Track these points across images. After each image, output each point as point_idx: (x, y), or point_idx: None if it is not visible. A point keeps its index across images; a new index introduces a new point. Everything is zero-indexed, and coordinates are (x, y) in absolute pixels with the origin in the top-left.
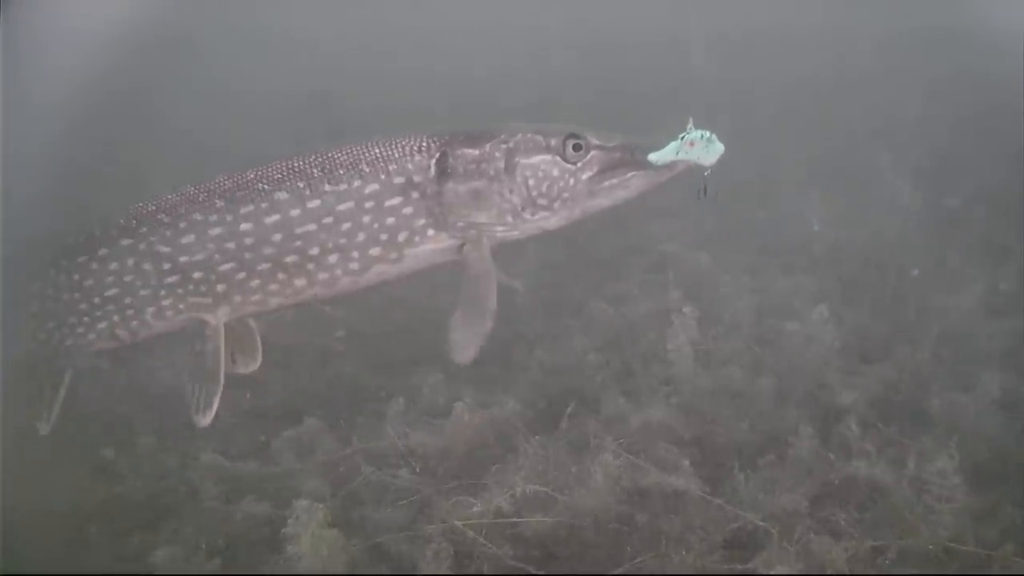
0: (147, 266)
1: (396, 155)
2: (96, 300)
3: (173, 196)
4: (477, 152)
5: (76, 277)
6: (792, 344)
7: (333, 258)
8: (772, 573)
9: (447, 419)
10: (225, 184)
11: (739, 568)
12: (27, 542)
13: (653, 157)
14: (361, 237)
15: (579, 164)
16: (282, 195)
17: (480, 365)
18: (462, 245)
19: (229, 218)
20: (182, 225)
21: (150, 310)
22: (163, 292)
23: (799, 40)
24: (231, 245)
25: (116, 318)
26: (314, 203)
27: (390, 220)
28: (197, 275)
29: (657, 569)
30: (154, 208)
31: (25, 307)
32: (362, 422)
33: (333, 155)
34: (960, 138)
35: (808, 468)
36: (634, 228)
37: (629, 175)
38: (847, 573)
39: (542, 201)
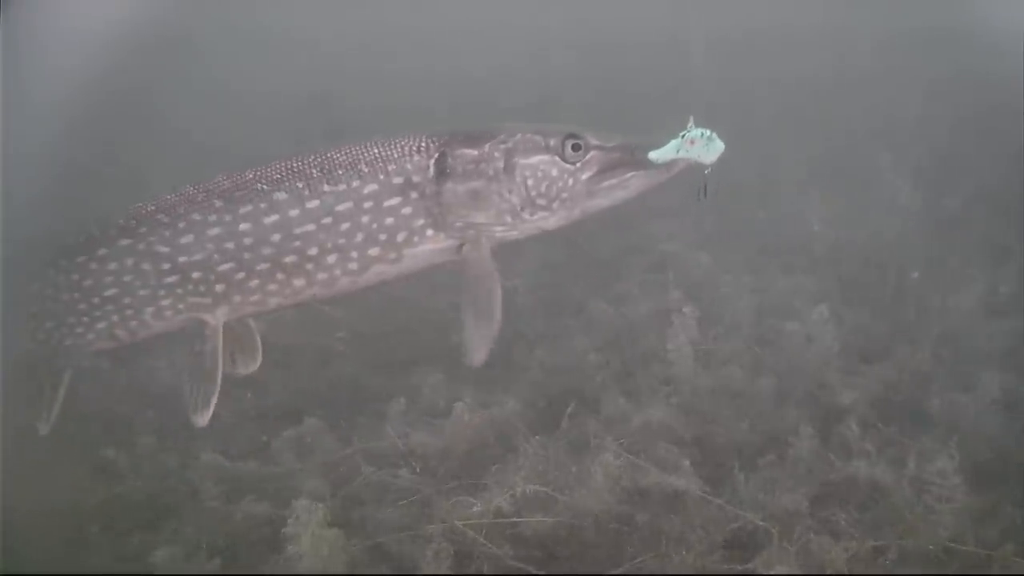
0: (146, 266)
1: (395, 155)
2: (95, 300)
3: (172, 196)
4: (476, 152)
5: (75, 277)
6: (792, 344)
7: (332, 258)
8: (772, 573)
9: (447, 419)
10: (224, 184)
11: (739, 568)
12: (27, 542)
13: (653, 155)
14: (360, 237)
15: (578, 164)
16: (281, 195)
17: (480, 365)
18: (461, 245)
19: (228, 218)
20: (181, 225)
21: (149, 310)
22: (162, 292)
23: (799, 40)
24: (230, 245)
25: (115, 318)
26: (313, 203)
27: (389, 220)
28: (196, 275)
29: (657, 569)
30: (153, 208)
31: (25, 307)
32: (363, 422)
33: (332, 155)
34: (960, 138)
35: (808, 468)
36: (634, 228)
37: (628, 175)
38: (847, 573)
39: (541, 201)
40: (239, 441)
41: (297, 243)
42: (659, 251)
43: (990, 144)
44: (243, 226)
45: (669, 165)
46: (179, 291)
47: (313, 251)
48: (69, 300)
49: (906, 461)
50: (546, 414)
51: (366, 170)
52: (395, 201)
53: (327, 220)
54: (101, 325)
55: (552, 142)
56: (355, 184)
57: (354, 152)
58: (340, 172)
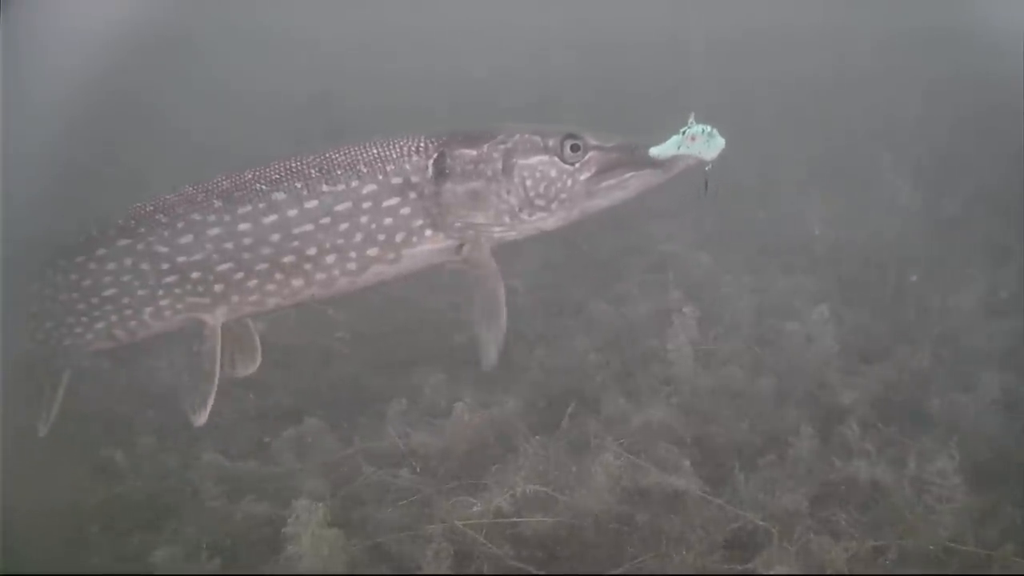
0: (145, 266)
1: (394, 155)
2: (94, 300)
3: (171, 196)
4: (475, 153)
5: (74, 277)
6: (792, 344)
7: (331, 258)
8: (772, 573)
9: (448, 419)
10: (223, 184)
11: (739, 568)
12: (27, 542)
13: (654, 151)
14: (359, 237)
15: (577, 165)
16: (280, 195)
17: (480, 365)
18: (460, 246)
19: (227, 218)
20: (180, 225)
21: (148, 310)
22: (161, 292)
23: (799, 40)
24: (229, 245)
25: (114, 318)
26: (312, 203)
27: (388, 220)
28: (195, 275)
29: (657, 569)
30: (152, 208)
31: (24, 307)
32: (363, 422)
33: (331, 155)
34: (960, 138)
35: (808, 468)
36: (634, 228)
37: (627, 176)
38: (847, 573)
39: (540, 202)
40: (239, 441)
41: (296, 243)
42: (659, 251)
43: (990, 144)
44: (242, 226)
45: (668, 166)
46: (178, 291)
47: (312, 251)
48: (68, 300)
49: (906, 461)
50: (546, 414)
51: (365, 170)
52: (394, 201)
53: (326, 220)
54: (100, 325)
55: (551, 142)
56: (354, 184)
57: (353, 152)
58: (339, 172)
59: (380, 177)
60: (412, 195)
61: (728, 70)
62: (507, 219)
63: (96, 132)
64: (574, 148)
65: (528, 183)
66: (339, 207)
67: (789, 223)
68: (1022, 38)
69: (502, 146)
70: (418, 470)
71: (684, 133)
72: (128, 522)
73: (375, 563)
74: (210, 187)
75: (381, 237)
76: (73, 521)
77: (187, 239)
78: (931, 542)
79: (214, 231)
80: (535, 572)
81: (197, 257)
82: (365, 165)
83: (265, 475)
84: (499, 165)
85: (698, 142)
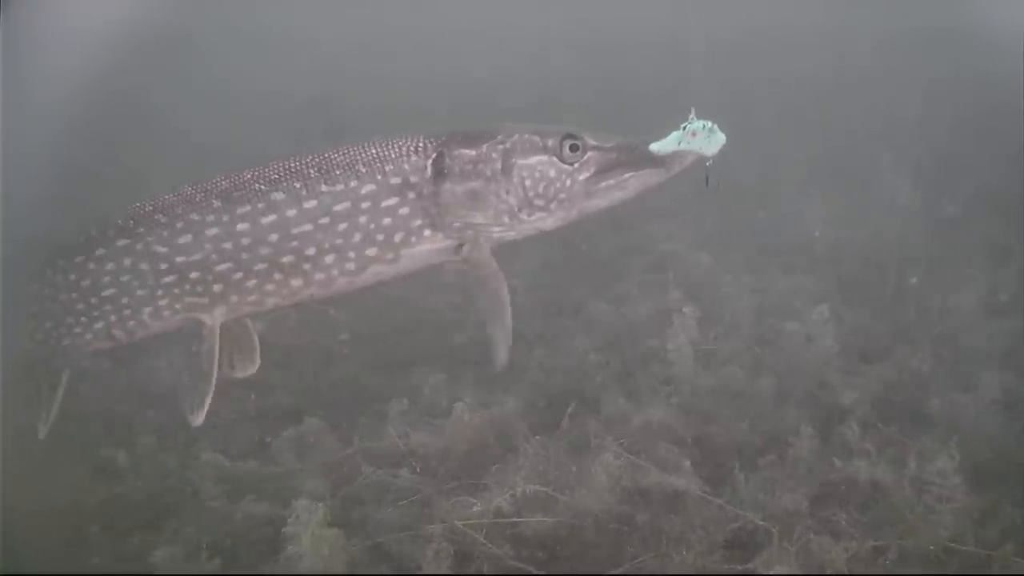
0: (144, 266)
1: (393, 155)
2: (93, 300)
3: (170, 196)
4: (474, 153)
5: (73, 277)
6: (792, 344)
7: (329, 258)
8: (772, 573)
9: (448, 419)
10: (222, 184)
11: (739, 568)
12: (27, 542)
13: (654, 147)
14: (357, 237)
15: (576, 165)
16: (279, 195)
17: (480, 365)
18: (459, 246)
19: (226, 218)
20: (179, 225)
21: (147, 310)
22: (160, 292)
23: (799, 40)
24: (228, 245)
25: (113, 318)
26: (311, 203)
27: (386, 220)
28: (194, 275)
29: (657, 569)
30: (151, 208)
31: (24, 307)
32: (363, 422)
33: (330, 155)
34: (960, 138)
35: (808, 468)
36: (634, 229)
37: (626, 176)
38: (847, 573)
39: (539, 202)
40: (239, 441)
41: (295, 243)
42: (659, 251)
43: (990, 144)
44: (240, 226)
45: (668, 166)
46: (176, 291)
47: (311, 251)
48: (67, 300)
49: (906, 461)
50: (546, 414)
51: (364, 170)
52: (392, 201)
53: (325, 220)
54: (99, 325)
55: (550, 143)
56: (353, 184)
57: (352, 152)
58: (338, 172)
59: (379, 177)
60: (411, 195)
61: (728, 70)
62: (506, 219)
63: (96, 132)
64: (573, 148)
65: (527, 183)
66: (338, 207)
67: (789, 223)
68: (1022, 38)
69: (501, 146)
70: (418, 470)
71: (684, 129)
72: (128, 522)
73: (375, 563)
74: (209, 187)
75: (380, 237)
76: (73, 521)
77: (186, 239)
78: (931, 542)
79: (213, 231)
80: (535, 572)
81: (196, 257)
82: (364, 165)
83: (265, 475)
84: (498, 165)
85: (699, 138)
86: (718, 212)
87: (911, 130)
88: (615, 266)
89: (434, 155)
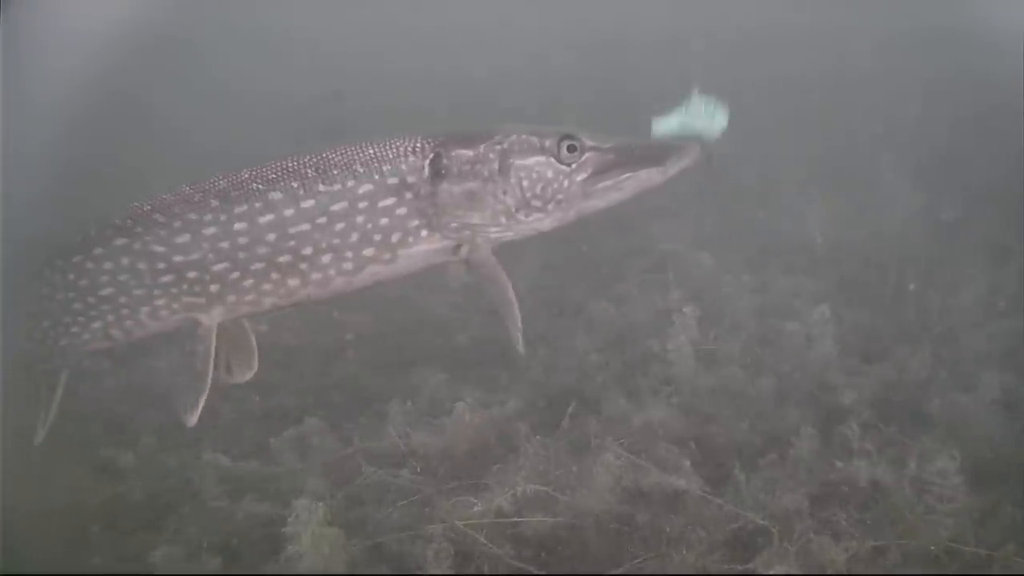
0: (142, 266)
1: (390, 156)
2: (91, 300)
3: (168, 196)
4: (471, 153)
5: (71, 276)
6: (792, 344)
7: (327, 258)
8: (772, 573)
9: (448, 419)
10: (220, 184)
11: (739, 568)
12: (27, 542)
13: (657, 126)
14: (355, 237)
15: (574, 165)
16: (276, 195)
17: (481, 365)
18: (457, 246)
19: (223, 218)
20: (177, 224)
21: (144, 310)
22: (157, 292)
23: (799, 40)
24: (225, 245)
25: (111, 318)
26: (308, 203)
27: (384, 221)
28: (191, 275)
29: (658, 569)
30: (149, 208)
31: (24, 307)
32: (364, 422)
33: (327, 155)
34: (960, 138)
35: (809, 468)
36: (634, 229)
37: (624, 177)
38: (847, 573)
39: (536, 202)
40: (240, 441)
41: (292, 243)
42: (659, 251)
43: (990, 144)
44: (238, 226)
45: (666, 167)
46: (174, 291)
47: (308, 251)
48: (65, 299)
49: (907, 461)
50: (547, 414)
51: (361, 170)
52: (390, 201)
53: (322, 220)
54: (97, 325)
55: (547, 143)
56: (350, 184)
57: (349, 152)
58: (335, 172)
59: (376, 177)
60: (408, 195)
61: (728, 70)
62: (503, 220)
63: (96, 132)
64: (571, 149)
65: (524, 184)
66: (335, 207)
67: (789, 223)
68: (1022, 38)
69: (498, 147)
70: (419, 470)
71: (686, 107)
72: (129, 522)
73: (375, 563)
74: (207, 187)
75: (377, 237)
76: (73, 521)
77: (184, 239)
78: (932, 542)
79: (210, 231)
80: (535, 572)
81: (194, 257)
82: (361, 165)
83: (266, 475)
84: (495, 166)
85: (701, 116)
86: (718, 212)
87: (911, 130)
88: (616, 266)
89: (431, 155)
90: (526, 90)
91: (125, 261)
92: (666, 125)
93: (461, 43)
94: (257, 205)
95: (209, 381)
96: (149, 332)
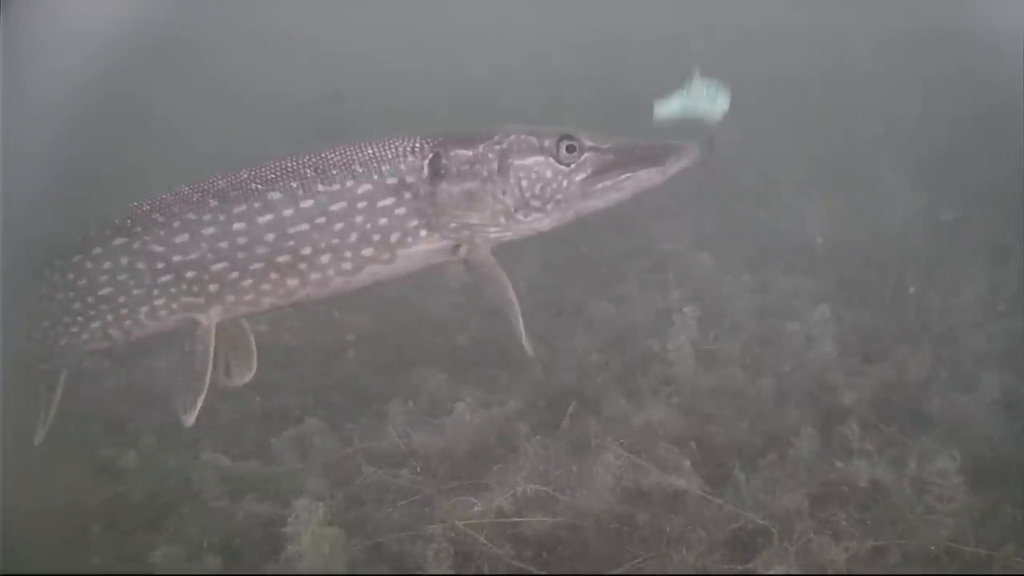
0: (141, 265)
1: (389, 156)
2: (90, 299)
3: (168, 195)
4: (470, 153)
5: (70, 276)
6: (793, 344)
7: (326, 258)
8: (772, 573)
9: (448, 419)
10: (219, 184)
11: (739, 568)
12: (27, 542)
13: (659, 110)
14: (354, 237)
15: (573, 166)
16: (275, 195)
17: (481, 365)
18: (456, 246)
19: (222, 217)
20: (176, 224)
21: (143, 309)
22: (156, 292)
23: (799, 40)
24: (224, 244)
25: (109, 317)
26: (307, 203)
27: (383, 221)
28: (190, 274)
29: (658, 569)
30: (148, 207)
31: (24, 307)
32: (364, 422)
33: (327, 155)
34: (960, 138)
35: (809, 468)
36: (634, 229)
37: (623, 177)
38: (847, 573)
39: (535, 202)
40: (240, 441)
41: (291, 243)
42: (659, 252)
43: (990, 144)
44: (237, 225)
45: (665, 168)
46: (173, 291)
47: (307, 251)
48: (64, 299)
49: (907, 461)
50: (547, 414)
51: (360, 170)
52: (389, 201)
53: (321, 220)
54: (96, 324)
55: (546, 143)
56: (349, 184)
57: (349, 152)
58: (334, 172)
59: (375, 177)
60: (407, 195)
61: (728, 70)
62: (502, 220)
63: (96, 132)
64: (570, 149)
65: (523, 184)
66: (334, 207)
67: (789, 223)
68: (1022, 38)
69: (498, 147)
70: (419, 470)
71: (687, 90)
72: (129, 522)
73: (375, 563)
74: (206, 186)
75: (376, 237)
76: (74, 521)
77: (182, 238)
78: (932, 542)
79: (209, 230)
80: (535, 572)
81: (192, 256)
82: (360, 165)
83: (266, 475)
84: (495, 166)
85: (703, 99)
86: (718, 212)
87: (911, 130)
88: (615, 266)
89: (431, 155)
90: (526, 90)
91: (124, 261)
92: (668, 108)
93: (461, 43)
94: (256, 205)
95: (208, 381)
96: (148, 332)
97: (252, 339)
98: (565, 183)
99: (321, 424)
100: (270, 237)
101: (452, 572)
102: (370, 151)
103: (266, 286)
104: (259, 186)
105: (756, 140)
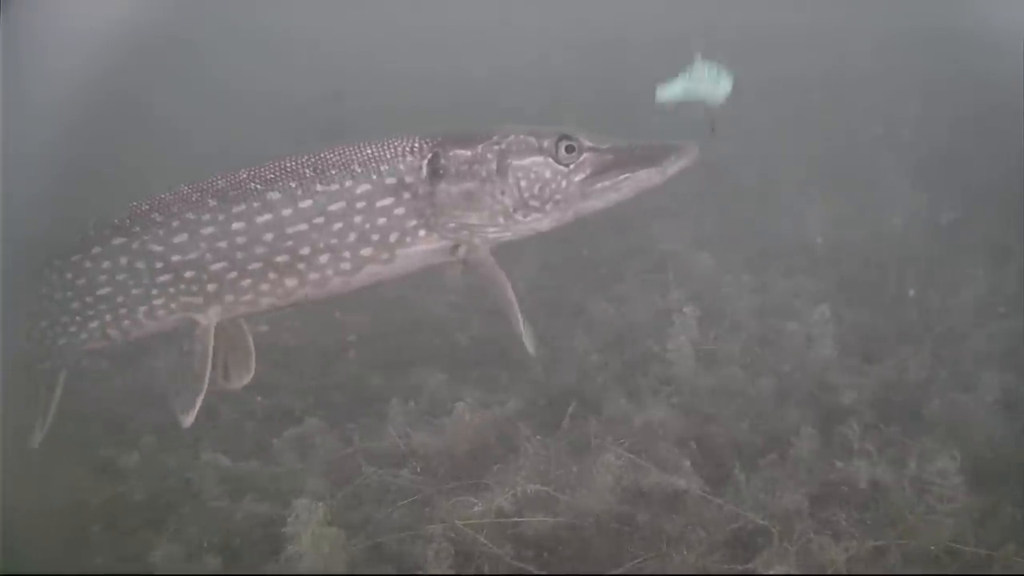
0: (140, 265)
1: (388, 156)
2: (88, 299)
3: (167, 195)
4: (469, 153)
5: (69, 276)
6: (793, 344)
7: (324, 258)
8: (772, 573)
9: (449, 419)
10: (218, 183)
11: (739, 568)
12: (27, 542)
13: (661, 94)
14: (352, 237)
15: (572, 166)
16: (274, 195)
17: (481, 365)
18: (455, 246)
19: (221, 217)
20: (175, 224)
21: (142, 309)
22: (155, 291)
23: (799, 40)
24: (223, 244)
25: (108, 317)
26: (306, 203)
27: (381, 221)
28: (189, 274)
29: (658, 569)
30: (148, 207)
31: (23, 306)
32: (364, 422)
33: (325, 155)
34: (960, 138)
35: (809, 468)
36: (634, 229)
37: (622, 177)
38: (847, 573)
39: (534, 203)
40: (240, 441)
41: (290, 243)
42: (659, 252)
43: (990, 144)
44: (236, 225)
45: (664, 168)
46: (172, 290)
47: (305, 251)
48: (63, 299)
49: (907, 461)
50: (547, 414)
51: (359, 170)
52: (388, 201)
53: (320, 220)
54: (94, 324)
55: (545, 143)
56: (348, 184)
57: (347, 152)
58: (333, 172)
59: (374, 177)
60: (406, 195)
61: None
62: (501, 220)
63: (96, 132)
64: (569, 149)
65: (522, 184)
66: (333, 207)
67: (789, 223)
68: (1022, 38)
69: (496, 147)
70: (419, 470)
71: (689, 73)
72: (129, 522)
73: (375, 563)
74: (205, 186)
75: (375, 237)
76: (74, 521)
77: (181, 238)
78: (932, 542)
79: (208, 230)
80: (536, 572)
81: (191, 256)
82: (359, 165)
83: (266, 475)
84: (493, 166)
85: (705, 83)
86: (718, 212)
87: (911, 130)
88: (615, 267)
89: (429, 155)
90: (526, 90)
91: (123, 260)
92: (670, 91)
93: (461, 43)
94: (255, 205)
95: (207, 382)
96: (147, 332)
97: (250, 340)
98: (564, 183)
99: (321, 424)
100: (269, 237)
101: (452, 572)
102: (369, 151)
103: (265, 286)
104: (258, 186)
105: (756, 140)
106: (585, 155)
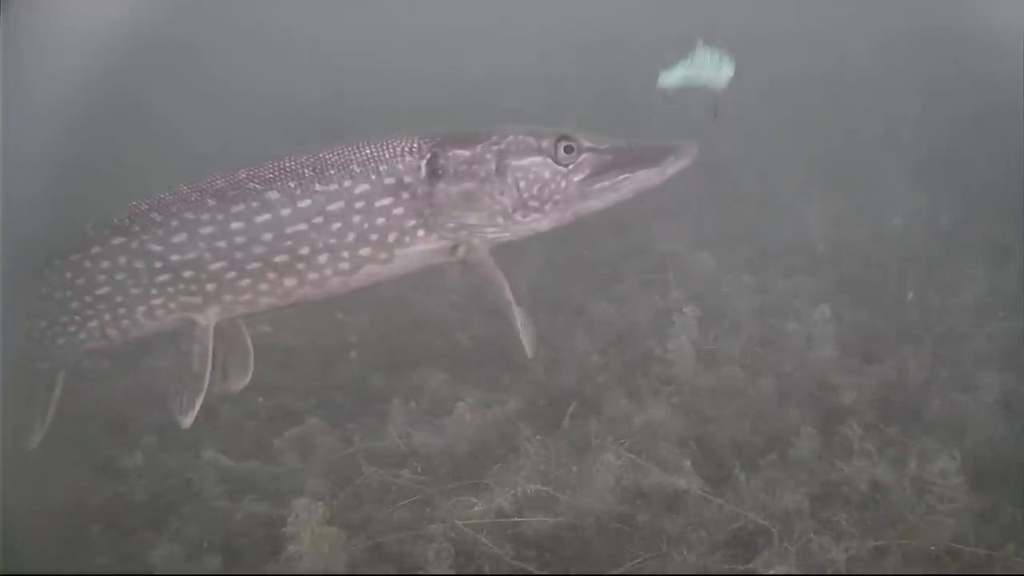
0: (139, 264)
1: (387, 156)
2: (87, 299)
3: (166, 195)
4: (468, 153)
5: (68, 275)
6: (793, 344)
7: (323, 258)
8: (772, 573)
9: (449, 419)
10: (217, 183)
11: (739, 568)
12: (27, 542)
13: (663, 79)
14: (351, 237)
15: (571, 166)
16: (273, 195)
17: (481, 365)
18: (454, 247)
19: (220, 217)
20: (174, 224)
21: (141, 309)
22: (154, 291)
23: (799, 40)
24: (222, 244)
25: (107, 317)
26: (305, 203)
27: (380, 220)
28: (188, 274)
29: (658, 569)
30: (147, 207)
31: (23, 306)
32: (365, 422)
33: (324, 155)
34: (960, 138)
35: (809, 468)
36: (634, 229)
37: (621, 177)
38: (847, 573)
39: (533, 203)
40: (240, 441)
41: (288, 242)
42: (659, 252)
43: (990, 144)
44: (235, 225)
45: (663, 168)
46: (171, 290)
47: (304, 251)
48: (62, 298)
49: (907, 461)
50: (547, 414)
51: (358, 170)
52: (386, 201)
53: (318, 220)
54: (93, 324)
55: (544, 144)
56: (347, 184)
57: (346, 152)
58: (332, 172)
59: (373, 177)
60: (405, 195)
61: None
62: (500, 220)
63: (96, 132)
64: (568, 149)
65: (521, 184)
66: (332, 207)
67: (789, 223)
68: (1022, 38)
69: (495, 147)
70: (419, 470)
71: (691, 59)
72: (129, 522)
73: (376, 563)
74: (204, 186)
75: (374, 237)
76: (74, 521)
77: (180, 238)
78: (932, 542)
79: (207, 230)
80: (536, 572)
81: (190, 256)
82: (358, 165)
83: (267, 475)
84: (492, 166)
85: (707, 69)
86: (718, 212)
87: (911, 130)
88: (615, 267)
89: (428, 155)
90: (526, 90)
91: (122, 260)
92: (672, 77)
93: (461, 43)
94: (254, 204)
95: (206, 382)
96: (146, 332)
97: (249, 341)
98: (563, 184)
99: (322, 424)
100: (268, 237)
101: (452, 572)
102: (368, 151)
103: (264, 286)
104: (257, 186)
105: (756, 140)
106: (584, 155)
